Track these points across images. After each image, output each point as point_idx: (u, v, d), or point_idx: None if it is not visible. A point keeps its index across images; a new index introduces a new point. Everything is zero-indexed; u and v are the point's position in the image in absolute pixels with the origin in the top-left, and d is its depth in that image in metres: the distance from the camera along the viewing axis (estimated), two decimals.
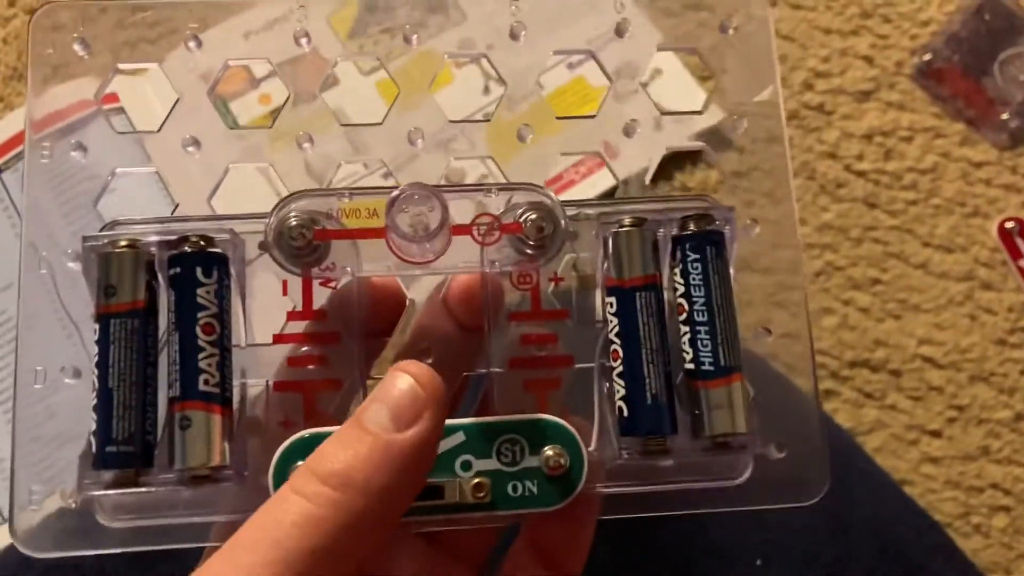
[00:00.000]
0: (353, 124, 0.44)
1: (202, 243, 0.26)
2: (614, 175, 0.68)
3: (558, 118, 0.38)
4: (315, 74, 0.73)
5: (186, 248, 0.26)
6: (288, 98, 0.46)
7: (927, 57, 0.71)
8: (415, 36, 0.46)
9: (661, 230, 0.28)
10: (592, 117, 0.38)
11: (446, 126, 0.66)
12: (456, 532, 0.26)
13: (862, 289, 0.68)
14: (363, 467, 0.20)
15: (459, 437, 0.24)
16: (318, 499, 0.20)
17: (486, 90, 0.72)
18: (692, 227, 0.28)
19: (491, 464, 0.24)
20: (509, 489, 0.24)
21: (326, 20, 0.74)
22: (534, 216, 0.27)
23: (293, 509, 0.20)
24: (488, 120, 0.39)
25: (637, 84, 0.42)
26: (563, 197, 0.28)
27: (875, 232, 0.69)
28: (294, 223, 0.26)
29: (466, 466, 0.24)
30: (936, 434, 0.66)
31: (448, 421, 0.23)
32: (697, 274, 0.27)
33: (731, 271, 0.29)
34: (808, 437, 0.29)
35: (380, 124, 0.37)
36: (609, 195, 0.63)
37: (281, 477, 0.23)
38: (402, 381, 0.21)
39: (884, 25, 0.73)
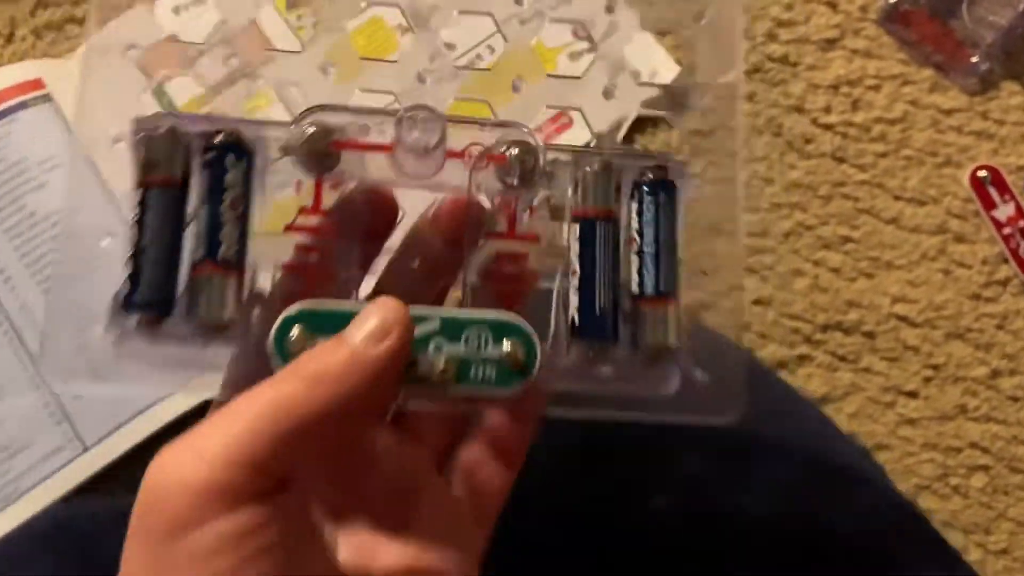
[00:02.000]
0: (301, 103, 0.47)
1: (234, 136, 0.30)
2: (590, 129, 0.64)
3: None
4: (255, 48, 0.68)
5: (220, 138, 0.30)
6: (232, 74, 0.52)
7: (892, 0, 0.68)
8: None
9: (625, 177, 0.32)
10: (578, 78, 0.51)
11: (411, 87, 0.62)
12: (422, 418, 0.30)
13: (833, 248, 0.66)
14: (335, 370, 0.25)
15: (435, 323, 0.28)
16: (292, 390, 0.24)
17: (432, 57, 0.68)
18: (650, 175, 0.33)
19: (459, 349, 0.28)
20: (472, 371, 0.28)
21: None
22: (518, 151, 0.31)
23: (269, 394, 0.24)
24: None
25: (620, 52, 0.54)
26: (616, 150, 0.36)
27: (844, 188, 0.66)
28: (313, 130, 0.30)
29: (438, 348, 0.28)
30: (912, 395, 0.64)
31: (427, 309, 0.28)
32: (650, 214, 0.33)
33: (679, 216, 0.34)
34: (731, 368, 0.34)
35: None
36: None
37: (280, 340, 0.27)
38: (376, 308, 0.26)
39: None
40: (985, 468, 0.63)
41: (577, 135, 0.67)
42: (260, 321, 0.30)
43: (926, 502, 0.63)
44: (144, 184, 0.30)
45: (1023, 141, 0.67)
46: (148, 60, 0.67)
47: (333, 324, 0.27)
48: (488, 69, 0.68)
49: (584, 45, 0.69)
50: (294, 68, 0.68)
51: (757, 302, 0.65)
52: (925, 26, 0.68)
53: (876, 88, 0.68)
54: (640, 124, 0.67)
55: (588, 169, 0.32)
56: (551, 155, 0.32)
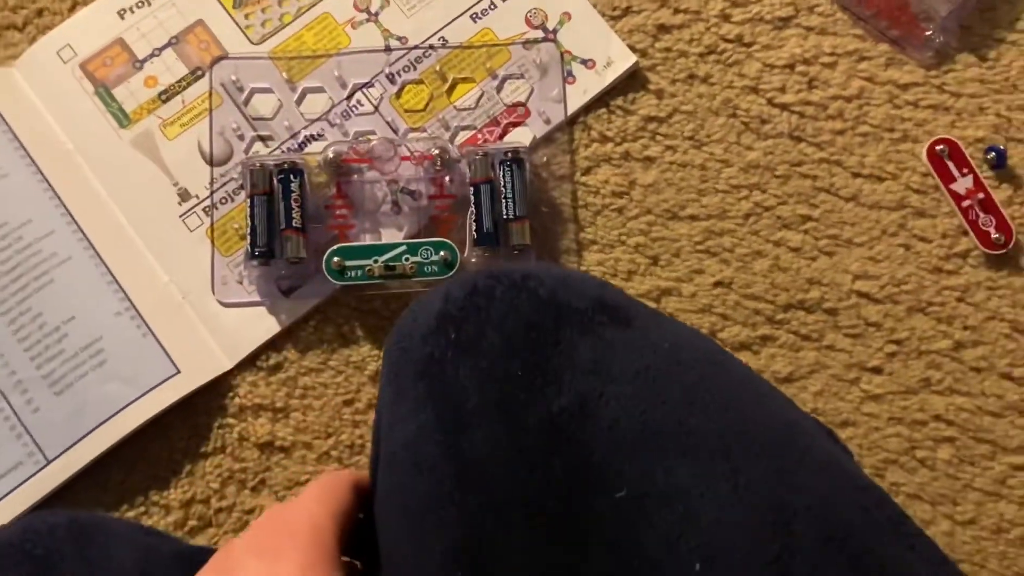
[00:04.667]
0: (256, 109, 0.68)
1: (291, 164, 0.63)
2: (544, 121, 0.64)
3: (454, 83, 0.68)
4: (204, 49, 0.68)
5: (284, 166, 0.63)
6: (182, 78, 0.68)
7: None
8: None
9: (498, 157, 0.63)
10: (503, 78, 0.69)
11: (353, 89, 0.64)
12: None
13: (792, 228, 0.66)
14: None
15: (403, 247, 0.61)
16: (317, 506, 0.41)
17: (387, 50, 0.68)
18: (508, 156, 0.63)
19: (417, 258, 0.61)
20: (425, 268, 0.61)
21: None
22: (438, 152, 0.65)
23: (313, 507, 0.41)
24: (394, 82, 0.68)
25: (551, 31, 0.70)
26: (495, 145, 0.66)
27: (803, 167, 0.66)
28: (332, 155, 0.65)
29: (405, 258, 0.61)
30: (876, 371, 0.64)
31: (400, 240, 0.63)
32: (508, 176, 0.63)
33: (526, 176, 0.64)
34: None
35: (280, 106, 0.68)
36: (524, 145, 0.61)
37: (328, 263, 0.61)
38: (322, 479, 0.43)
39: None
40: (951, 440, 0.63)
41: (534, 127, 0.67)
42: (316, 256, 0.62)
43: (894, 476, 0.63)
44: (251, 195, 0.63)
45: (980, 113, 0.67)
46: (93, 65, 0.67)
47: (351, 253, 0.61)
48: (436, 67, 0.67)
49: (538, 34, 0.68)
50: (245, 68, 0.67)
51: (718, 284, 0.65)
52: (880, 1, 0.68)
53: (832, 66, 0.67)
54: (593, 109, 0.67)
55: (475, 157, 0.64)
56: (457, 153, 0.65)
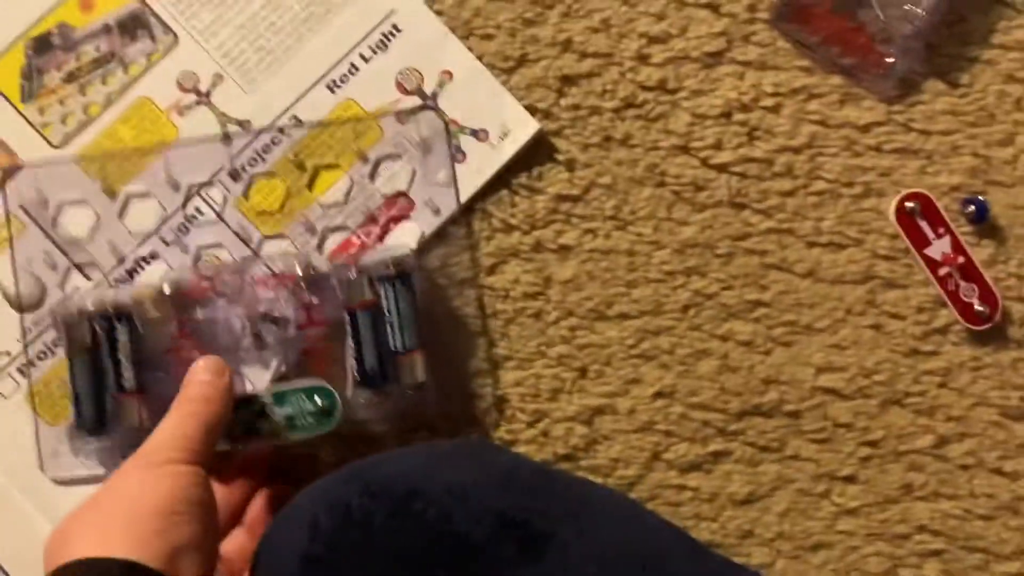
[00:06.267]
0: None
1: (115, 307, 0.50)
2: (432, 211, 0.52)
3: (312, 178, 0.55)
4: None
5: (107, 311, 0.50)
6: None
7: None
8: (115, 77, 0.54)
9: (377, 273, 0.50)
10: (376, 161, 0.55)
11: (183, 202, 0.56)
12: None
13: (741, 317, 0.55)
14: (206, 392, 0.45)
15: (268, 397, 0.48)
16: (190, 406, 0.45)
17: (226, 139, 0.54)
18: (390, 271, 0.50)
19: (287, 410, 0.48)
20: (298, 422, 0.48)
21: None
22: (302, 273, 0.51)
23: (176, 415, 0.45)
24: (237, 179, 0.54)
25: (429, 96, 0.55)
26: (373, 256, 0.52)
27: (748, 241, 0.55)
28: (168, 289, 0.51)
29: (272, 412, 0.48)
30: (849, 480, 0.55)
31: (262, 390, 0.49)
32: (391, 298, 0.50)
33: (416, 293, 0.51)
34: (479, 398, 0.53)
35: (97, 222, 0.54)
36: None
37: None
38: (208, 360, 0.47)
39: None
40: (938, 553, 0.54)
41: (421, 221, 0.54)
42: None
43: None
44: (69, 356, 0.50)
45: (954, 154, 0.55)
46: None
47: None
48: (291, 155, 0.54)
49: (414, 101, 0.55)
50: (48, 178, 0.53)
51: (658, 395, 0.54)
52: (828, 23, 0.55)
53: (775, 109, 0.55)
54: (492, 190, 0.55)
55: (349, 276, 0.51)
56: (327, 265, 0.52)
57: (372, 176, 0.54)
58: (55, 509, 0.52)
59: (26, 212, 0.53)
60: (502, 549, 0.38)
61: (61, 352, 0.52)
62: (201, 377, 0.45)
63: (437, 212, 0.54)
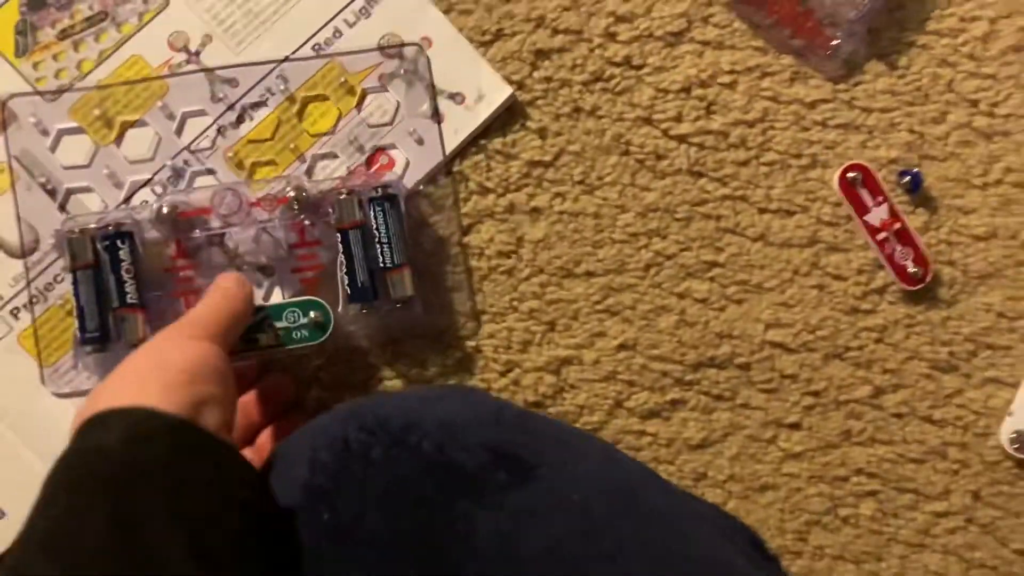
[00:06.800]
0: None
1: (115, 226, 0.52)
2: (408, 169, 0.55)
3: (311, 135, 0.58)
4: None
5: (109, 229, 0.52)
6: None
7: None
8: (107, 35, 0.57)
9: (367, 195, 0.53)
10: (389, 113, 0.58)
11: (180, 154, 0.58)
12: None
13: (698, 276, 0.59)
14: (236, 290, 0.50)
15: (266, 311, 0.51)
16: (221, 298, 0.49)
17: (214, 97, 0.57)
18: (379, 192, 0.53)
19: (283, 324, 0.51)
20: (293, 335, 0.51)
21: None
22: (294, 194, 0.54)
23: (210, 301, 0.49)
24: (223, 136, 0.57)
25: (412, 61, 0.58)
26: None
27: (705, 207, 0.59)
28: (167, 209, 0.53)
29: (270, 325, 0.51)
30: (794, 427, 0.59)
31: (260, 303, 0.51)
32: (381, 217, 0.53)
33: (402, 214, 0.53)
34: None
35: (86, 166, 0.57)
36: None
37: None
38: (231, 274, 0.51)
39: None
40: (873, 494, 0.59)
41: (406, 148, 0.57)
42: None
43: (817, 538, 0.59)
44: (72, 268, 0.51)
45: (893, 129, 0.60)
46: None
47: None
48: (277, 115, 0.57)
49: (394, 65, 0.58)
50: (41, 133, 0.55)
51: (621, 347, 0.59)
52: (781, 6, 0.60)
53: (731, 86, 0.60)
54: (468, 154, 0.58)
55: (340, 196, 0.53)
56: (316, 190, 0.55)
57: (359, 107, 0.57)
58: (49, 449, 0.54)
59: (26, 168, 0.55)
60: (493, 476, 0.40)
61: (56, 293, 0.54)
62: (228, 282, 0.49)
63: (420, 142, 0.57)
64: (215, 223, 0.54)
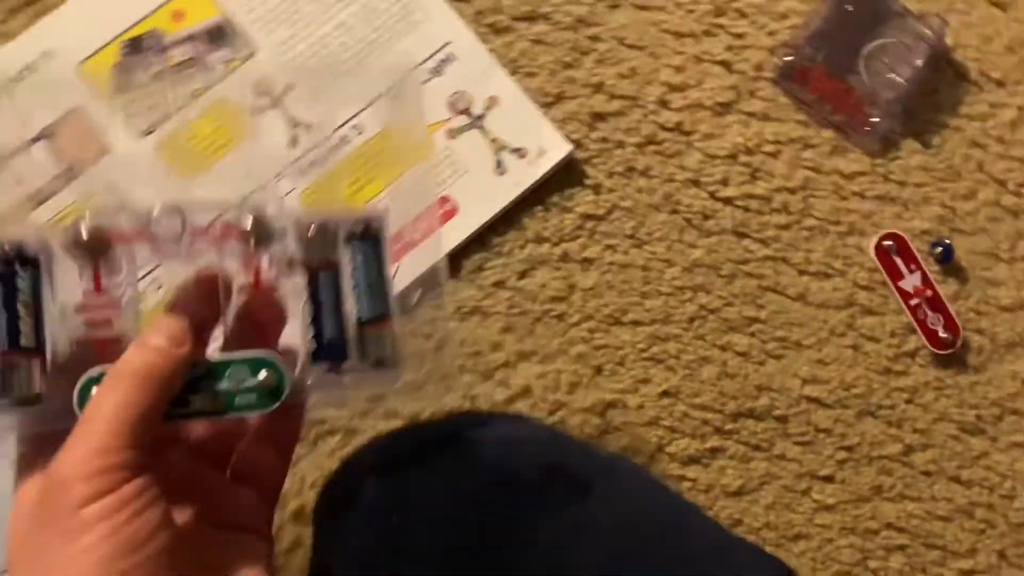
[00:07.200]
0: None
1: (17, 249, 0.36)
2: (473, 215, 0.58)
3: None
4: (82, 143, 0.59)
5: (5, 248, 0.36)
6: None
7: (788, 58, 0.64)
8: (197, 79, 0.55)
9: (342, 229, 0.39)
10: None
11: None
12: (210, 440, 0.39)
13: (739, 330, 0.62)
14: (147, 369, 0.32)
15: (203, 368, 0.36)
16: (127, 387, 0.32)
17: (293, 141, 0.61)
18: (358, 229, 0.39)
19: (224, 385, 0.36)
20: (236, 400, 0.36)
21: (75, 69, 0.59)
22: (252, 224, 0.38)
23: (112, 397, 0.32)
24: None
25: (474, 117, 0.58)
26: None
27: (748, 265, 0.63)
28: (84, 233, 0.37)
29: (208, 387, 0.36)
30: (828, 479, 0.62)
31: (198, 359, 0.35)
32: (359, 259, 0.39)
33: (385, 258, 0.40)
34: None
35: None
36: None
37: (84, 397, 0.33)
38: (168, 320, 0.34)
39: (740, 21, 0.65)
40: (902, 548, 0.61)
41: (463, 222, 0.61)
42: (63, 387, 0.35)
43: None
44: None
45: (925, 203, 0.64)
46: None
47: None
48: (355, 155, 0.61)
49: (463, 120, 0.62)
50: (129, 166, 0.59)
51: (664, 394, 0.61)
52: (823, 84, 0.64)
53: (775, 155, 0.64)
54: (527, 206, 0.62)
55: (309, 229, 0.40)
56: (281, 221, 0.39)
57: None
58: None
59: (112, 194, 0.59)
60: (551, 490, 0.43)
61: None
62: (155, 342, 0.33)
63: (483, 193, 0.61)
64: (146, 253, 0.39)
